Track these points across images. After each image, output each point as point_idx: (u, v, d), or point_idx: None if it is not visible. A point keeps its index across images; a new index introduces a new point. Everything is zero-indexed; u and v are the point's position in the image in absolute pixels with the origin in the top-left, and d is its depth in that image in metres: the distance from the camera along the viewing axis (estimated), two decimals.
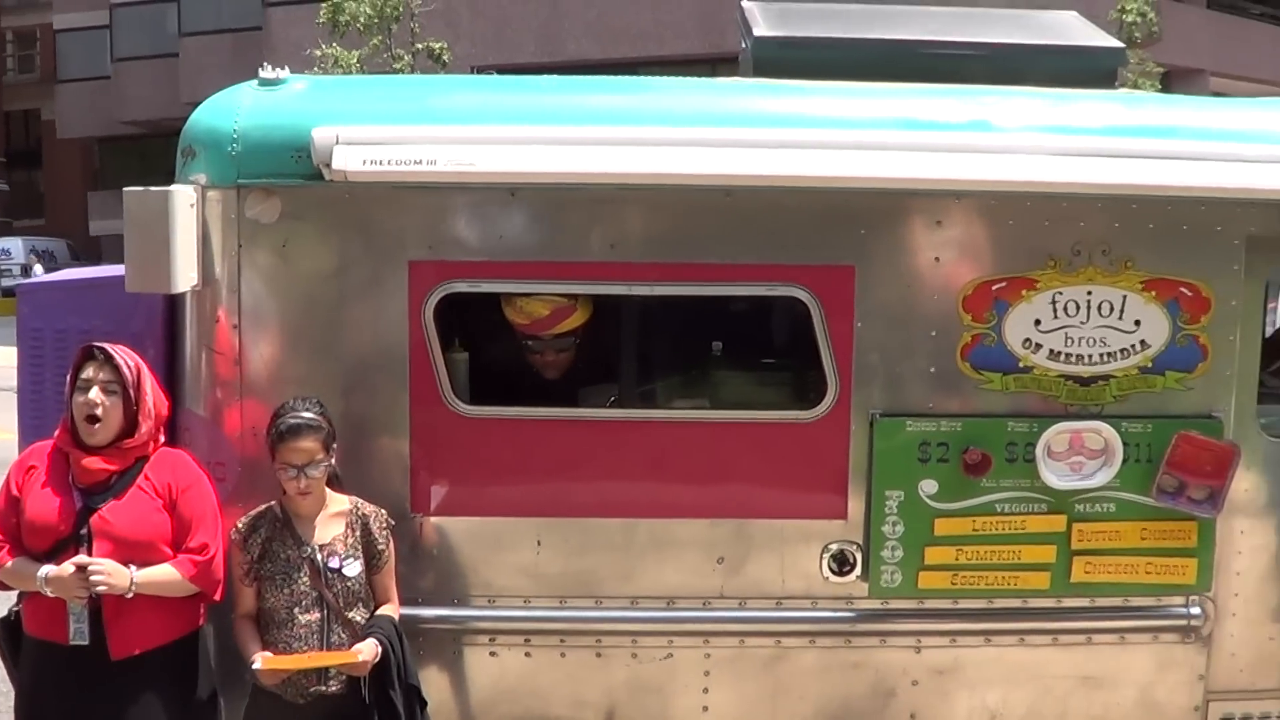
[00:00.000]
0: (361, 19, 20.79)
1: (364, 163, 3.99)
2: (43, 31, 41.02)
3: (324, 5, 21.21)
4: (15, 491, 3.98)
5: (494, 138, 4.09)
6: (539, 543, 4.25)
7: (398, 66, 20.97)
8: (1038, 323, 4.20)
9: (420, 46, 21.44)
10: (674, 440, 4.25)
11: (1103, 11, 21.98)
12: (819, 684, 4.32)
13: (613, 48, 24.41)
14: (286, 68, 4.34)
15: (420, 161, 4.03)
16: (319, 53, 20.61)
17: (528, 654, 4.30)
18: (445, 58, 21.51)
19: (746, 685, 4.34)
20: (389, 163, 4.01)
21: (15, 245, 34.47)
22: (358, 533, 4.01)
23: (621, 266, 4.17)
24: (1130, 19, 22.58)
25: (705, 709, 4.33)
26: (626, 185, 4.08)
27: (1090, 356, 4.22)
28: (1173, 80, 25.75)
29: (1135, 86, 19.83)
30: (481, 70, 20.10)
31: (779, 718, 4.33)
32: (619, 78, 4.67)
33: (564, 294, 4.33)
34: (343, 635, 3.94)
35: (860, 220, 4.16)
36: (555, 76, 4.55)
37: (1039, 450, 4.20)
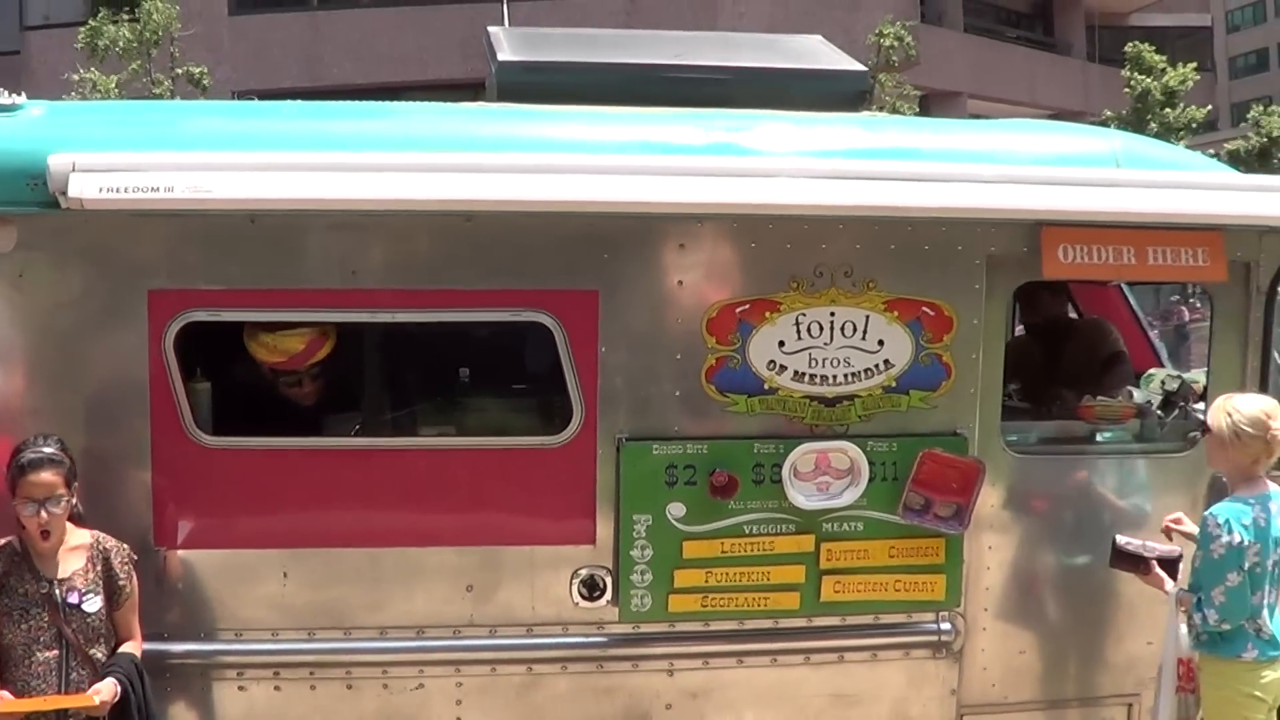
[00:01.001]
0: (121, 43, 20.81)
1: (100, 190, 4.01)
2: None
3: (83, 29, 21.21)
4: None
5: (232, 164, 4.14)
6: (285, 574, 4.30)
7: (158, 91, 21.05)
8: (782, 344, 4.32)
9: (180, 71, 21.53)
10: (420, 468, 4.33)
11: (861, 35, 22.81)
12: (572, 710, 4.41)
13: (375, 72, 24.80)
14: (23, 93, 4.34)
15: (157, 189, 4.06)
16: (77, 77, 20.57)
17: (277, 687, 4.34)
18: (206, 82, 21.63)
19: (499, 713, 4.42)
20: (126, 190, 4.04)
21: None
22: (99, 568, 4.03)
23: (363, 294, 4.25)
24: (888, 43, 23.66)
25: None
26: (366, 211, 4.14)
27: (835, 377, 4.34)
28: (931, 103, 27.11)
29: (894, 109, 20.52)
30: (243, 96, 20.10)
31: None
32: (359, 103, 4.74)
33: (312, 324, 4.35)
34: (82, 673, 3.96)
35: (603, 245, 4.26)
36: (296, 102, 4.59)
37: (785, 471, 4.31)
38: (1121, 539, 4.30)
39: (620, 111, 4.46)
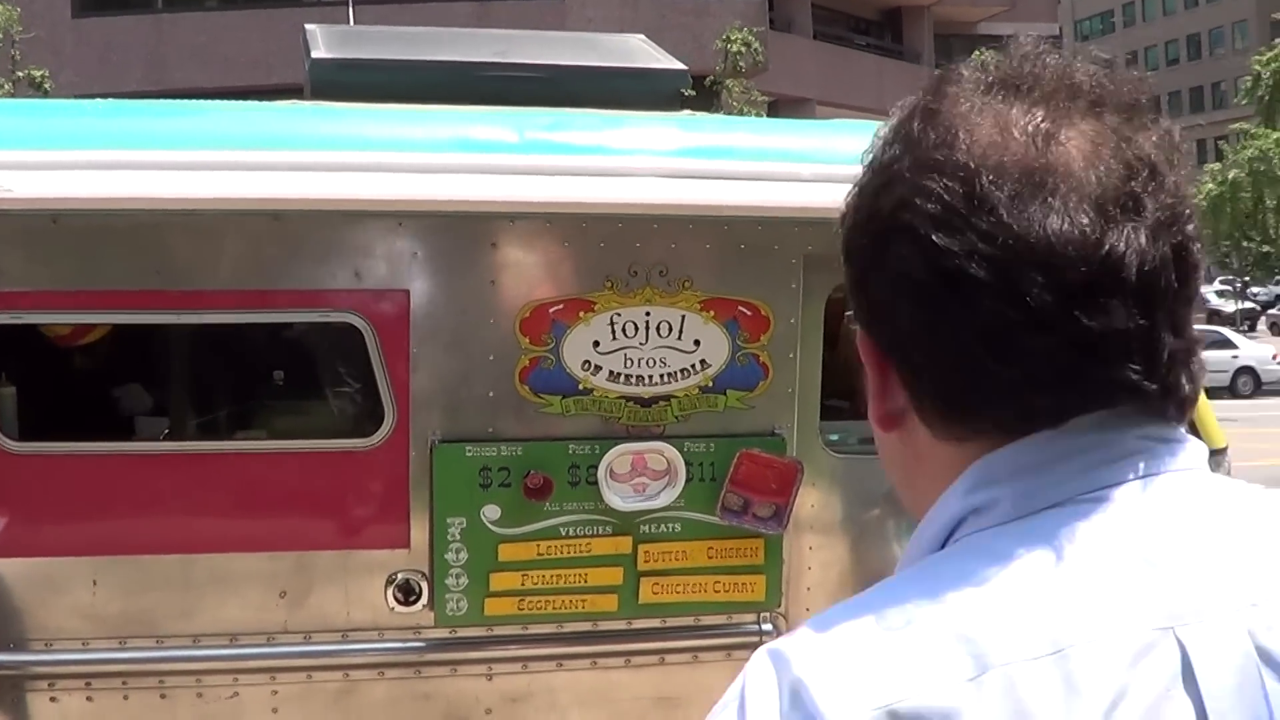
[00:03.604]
0: None
1: None
2: None
3: None
4: None
5: (33, 163, 4.28)
6: (95, 582, 4.47)
7: None
8: (596, 344, 4.53)
9: (21, 74, 21.65)
10: (229, 472, 4.53)
11: (709, 41, 23.48)
12: (391, 716, 4.64)
13: (221, 76, 25.18)
14: None
15: None
16: None
17: (89, 698, 4.53)
18: (47, 86, 21.78)
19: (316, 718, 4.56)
20: None
21: None
22: None
23: (167, 295, 4.43)
24: (735, 49, 24.50)
25: None
26: (170, 210, 4.31)
27: (650, 377, 4.56)
28: (780, 109, 28.48)
29: (741, 114, 21.21)
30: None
31: None
32: (167, 101, 4.90)
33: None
34: None
35: (414, 244, 4.46)
36: (102, 100, 4.75)
37: (601, 472, 4.53)
38: None
39: (434, 110, 4.67)
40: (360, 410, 4.69)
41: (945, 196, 0.97)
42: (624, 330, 4.59)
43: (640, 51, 5.15)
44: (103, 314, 4.56)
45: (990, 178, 0.96)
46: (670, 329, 4.61)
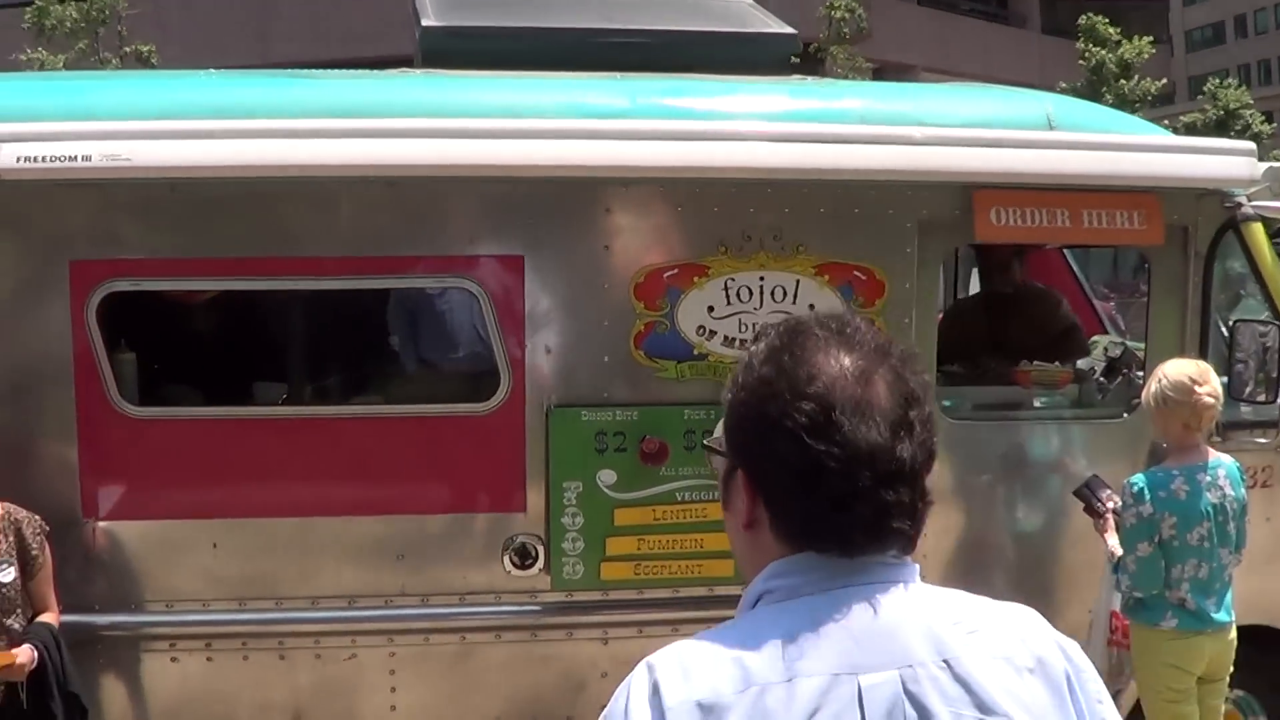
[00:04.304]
0: (68, 23, 21.15)
1: (18, 160, 4.29)
2: None
3: (29, 9, 21.54)
4: None
5: (151, 132, 4.40)
6: (215, 545, 4.59)
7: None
8: (711, 309, 4.59)
9: (128, 49, 21.85)
10: (348, 436, 4.63)
11: (813, 7, 23.19)
12: (507, 679, 4.71)
13: (325, 49, 25.29)
14: None
15: (75, 157, 4.34)
16: (25, 57, 20.89)
17: (209, 659, 4.66)
18: (154, 60, 21.95)
19: (433, 683, 4.71)
20: (44, 159, 4.32)
21: None
22: (10, 539, 4.30)
23: (284, 262, 4.55)
24: (839, 14, 24.12)
25: (393, 708, 4.73)
26: (287, 178, 4.40)
27: None
28: (885, 76, 28.21)
29: None
30: None
31: (468, 715, 4.70)
32: (280, 71, 4.98)
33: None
34: None
35: (528, 209, 4.54)
36: (216, 71, 4.83)
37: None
38: (1097, 481, 4.55)
39: (546, 76, 4.72)
40: (477, 375, 4.77)
41: (815, 415, 1.55)
42: (738, 295, 4.64)
43: (750, 16, 5.18)
44: (220, 280, 4.67)
45: (838, 407, 1.54)
46: (785, 293, 4.66)
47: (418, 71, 4.98)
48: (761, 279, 4.65)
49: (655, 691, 1.58)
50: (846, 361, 1.58)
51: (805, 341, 1.61)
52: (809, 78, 5.34)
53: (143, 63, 22.24)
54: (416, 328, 4.98)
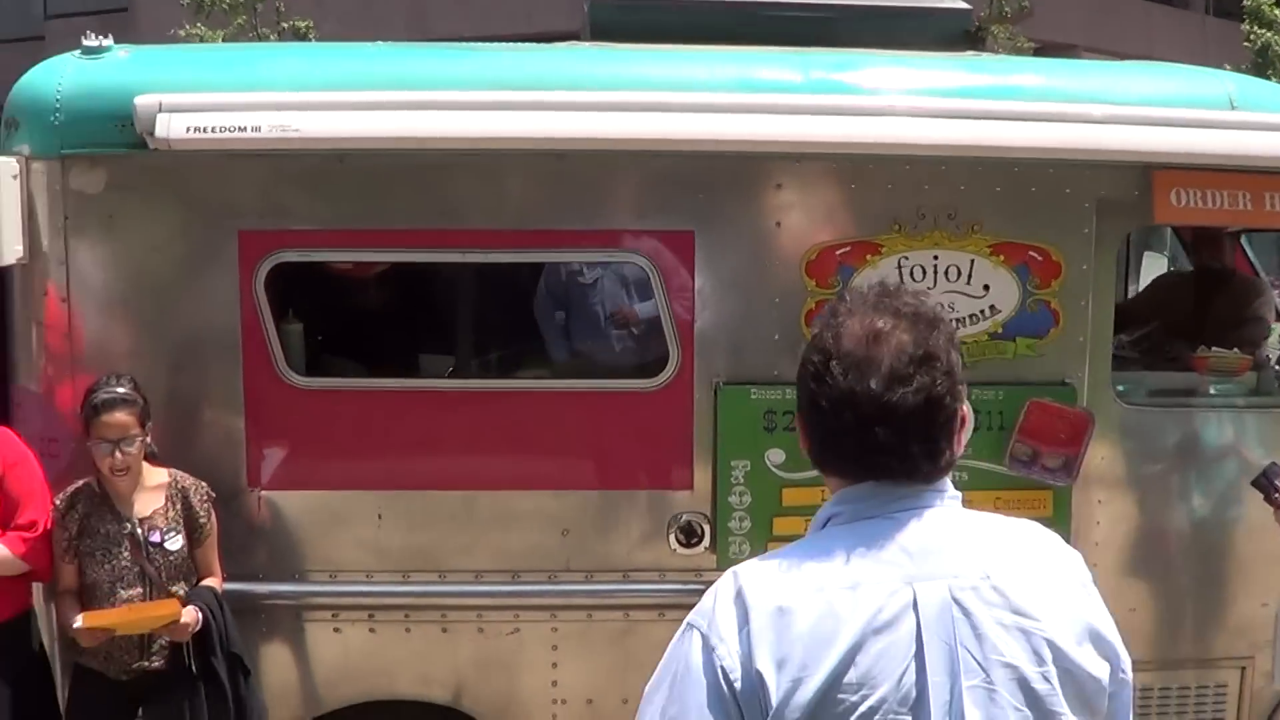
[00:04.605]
0: None
1: (187, 130, 4.31)
2: None
3: None
4: None
5: (320, 103, 4.42)
6: (380, 516, 4.60)
7: None
8: None
9: (286, 25, 21.94)
10: (515, 410, 4.63)
11: None
12: None
13: (483, 25, 25.13)
14: (110, 35, 4.60)
15: (245, 128, 4.36)
16: (184, 32, 21.07)
17: (372, 629, 4.70)
18: (311, 36, 22.04)
19: (595, 660, 4.72)
20: (213, 130, 4.34)
21: None
22: (178, 506, 4.36)
23: (453, 234, 4.54)
24: None
25: (554, 683, 4.74)
26: (455, 150, 4.40)
27: None
28: (1046, 55, 26.99)
29: None
30: None
31: (629, 692, 4.70)
32: (448, 44, 4.97)
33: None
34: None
35: (699, 185, 4.51)
36: (383, 43, 4.84)
37: None
38: (1275, 469, 4.45)
39: (717, 50, 4.67)
40: (645, 351, 4.74)
41: (819, 365, 1.91)
42: (912, 274, 4.58)
43: None
44: (387, 252, 4.67)
45: (835, 359, 1.89)
46: (959, 273, 4.59)
47: (587, 44, 4.95)
48: (935, 258, 4.58)
49: (739, 595, 1.88)
50: (863, 323, 1.91)
51: (840, 306, 1.97)
52: (984, 53, 5.24)
53: (300, 39, 22.34)
54: (584, 303, 4.96)
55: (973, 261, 4.58)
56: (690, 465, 4.63)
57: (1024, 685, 1.84)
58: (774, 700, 1.81)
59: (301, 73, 4.64)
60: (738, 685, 1.84)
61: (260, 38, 21.54)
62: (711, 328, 4.59)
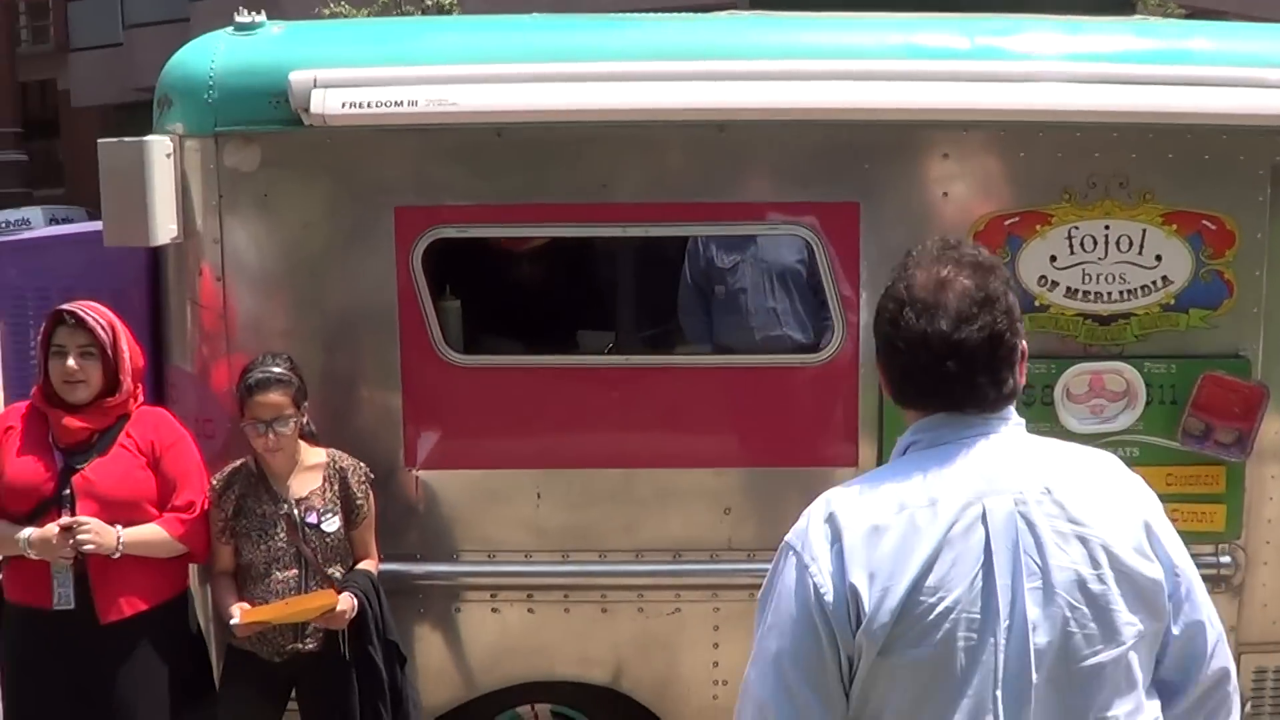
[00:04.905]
0: None
1: (343, 106, 4.28)
2: (54, 1, 42.68)
3: None
4: None
5: (477, 76, 4.37)
6: (539, 495, 4.56)
7: None
8: (1053, 259, 4.46)
9: (430, 3, 21.90)
10: (675, 386, 4.59)
11: None
12: None
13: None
14: (263, 11, 4.58)
15: (401, 103, 4.32)
16: (328, 11, 21.12)
17: (530, 610, 4.68)
18: (455, 13, 21.98)
19: None
20: (369, 105, 4.30)
21: (35, 214, 37.16)
22: (335, 487, 4.34)
23: (614, 208, 4.48)
24: None
25: (715, 664, 4.68)
26: (616, 122, 4.38)
27: (1109, 294, 4.47)
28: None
29: None
30: None
31: None
32: (605, 15, 4.91)
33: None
34: (320, 590, 4.25)
35: (864, 154, 4.45)
36: (540, 14, 4.78)
37: (1058, 393, 4.47)
38: None
39: (880, 17, 4.59)
40: (807, 325, 4.68)
41: (894, 311, 2.18)
42: (1082, 244, 4.49)
43: None
44: (546, 227, 4.63)
45: (909, 305, 2.15)
46: (1130, 243, 4.50)
47: (746, 13, 4.88)
48: (1107, 228, 4.49)
49: (831, 518, 2.15)
50: (930, 273, 2.17)
51: (909, 259, 2.24)
52: (1152, 18, 5.14)
53: (444, 15, 22.39)
54: (745, 276, 4.89)
55: (1144, 231, 4.49)
56: (855, 441, 4.56)
57: (1081, 586, 2.09)
58: (867, 609, 2.06)
59: (457, 46, 4.61)
60: (828, 600, 2.10)
61: (404, 15, 21.57)
62: (877, 300, 4.49)
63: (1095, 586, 2.08)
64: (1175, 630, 2.19)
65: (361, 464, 4.44)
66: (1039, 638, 2.06)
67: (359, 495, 4.40)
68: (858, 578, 2.07)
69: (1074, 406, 4.52)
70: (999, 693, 2.05)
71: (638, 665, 4.70)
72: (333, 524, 4.35)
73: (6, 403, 4.60)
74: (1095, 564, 2.09)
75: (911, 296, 2.15)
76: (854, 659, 2.11)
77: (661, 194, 4.52)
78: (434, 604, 4.69)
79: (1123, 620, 2.10)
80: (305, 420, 4.37)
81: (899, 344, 2.16)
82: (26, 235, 5.33)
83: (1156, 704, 2.19)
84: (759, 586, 4.58)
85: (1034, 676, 2.06)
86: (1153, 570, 2.13)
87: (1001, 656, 2.06)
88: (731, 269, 4.92)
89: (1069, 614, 2.07)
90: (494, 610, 4.68)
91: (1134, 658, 2.12)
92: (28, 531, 4.15)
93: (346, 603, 4.26)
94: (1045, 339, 4.51)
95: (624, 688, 4.73)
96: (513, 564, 4.65)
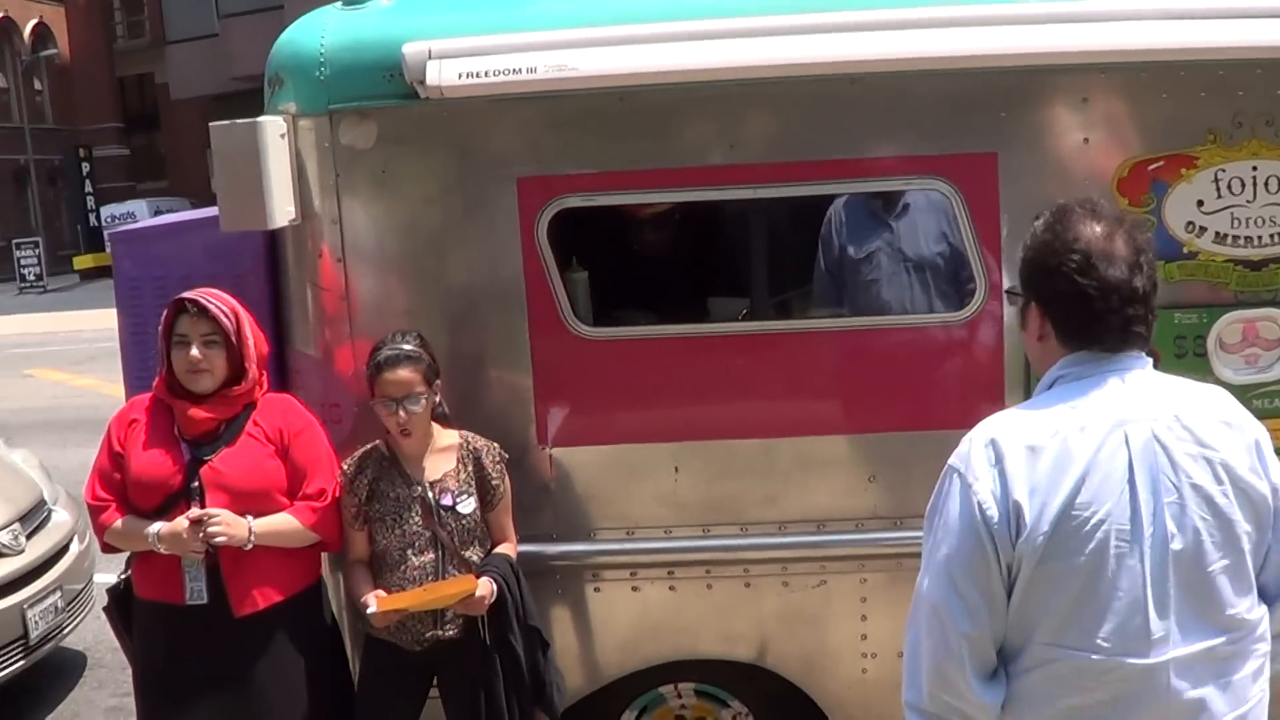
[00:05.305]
0: None
1: (459, 76, 4.18)
2: None
3: None
4: (118, 447, 4.19)
5: (596, 39, 4.28)
6: (677, 469, 4.46)
7: None
8: (1200, 203, 4.35)
9: None
10: (812, 352, 4.48)
11: None
12: None
13: None
14: None
15: (519, 70, 4.23)
16: None
17: (672, 587, 4.57)
18: None
19: (906, 609, 4.45)
20: (486, 74, 4.21)
21: (140, 207, 37.82)
22: (470, 468, 4.24)
23: (742, 169, 4.39)
24: None
25: (864, 637, 4.56)
26: (741, 80, 4.30)
27: (1260, 238, 4.36)
28: None
29: None
30: None
31: None
32: None
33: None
34: (458, 575, 4.15)
35: (1000, 103, 4.34)
36: None
37: (1210, 343, 4.36)
38: None
39: None
40: (948, 281, 4.56)
41: (1081, 262, 2.43)
42: (1229, 187, 4.37)
43: None
44: (674, 192, 4.52)
45: (1094, 256, 2.43)
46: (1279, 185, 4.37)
47: None
48: (1254, 169, 4.36)
49: (992, 442, 2.44)
50: (1097, 228, 2.46)
51: (1069, 217, 2.50)
52: None
53: None
54: (881, 266, 4.78)
55: None
56: (1002, 400, 4.42)
57: (1209, 501, 2.41)
58: (1028, 521, 2.37)
59: (573, 9, 4.50)
60: (991, 515, 2.39)
61: None
62: (1019, 253, 4.37)
63: (1220, 501, 2.42)
64: (1275, 543, 2.51)
65: (495, 445, 4.35)
66: (1175, 545, 2.38)
67: (494, 476, 4.30)
68: (1020, 493, 2.38)
69: (1228, 357, 4.39)
70: (1149, 592, 2.36)
71: (783, 640, 4.59)
72: (468, 505, 4.26)
73: (128, 395, 4.51)
74: (1219, 481, 2.43)
75: (1094, 249, 2.44)
76: (1014, 568, 2.40)
77: (792, 152, 4.40)
78: (571, 585, 4.60)
79: (1241, 529, 2.44)
80: (438, 400, 4.28)
81: (1091, 291, 2.43)
82: (140, 225, 5.23)
83: (1263, 605, 2.51)
84: (905, 556, 4.52)
85: (1172, 579, 2.38)
86: (1263, 487, 2.48)
87: (1148, 563, 2.37)
88: (866, 259, 4.81)
89: (1199, 525, 2.40)
90: (634, 589, 4.58)
91: (1249, 562, 2.45)
92: (157, 526, 4.08)
93: (485, 588, 4.16)
94: (1195, 288, 4.39)
95: (769, 664, 4.62)
96: (652, 540, 4.54)
